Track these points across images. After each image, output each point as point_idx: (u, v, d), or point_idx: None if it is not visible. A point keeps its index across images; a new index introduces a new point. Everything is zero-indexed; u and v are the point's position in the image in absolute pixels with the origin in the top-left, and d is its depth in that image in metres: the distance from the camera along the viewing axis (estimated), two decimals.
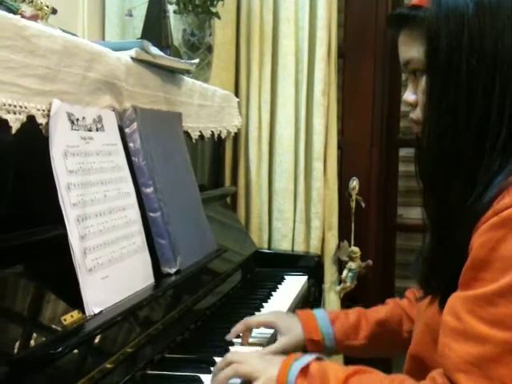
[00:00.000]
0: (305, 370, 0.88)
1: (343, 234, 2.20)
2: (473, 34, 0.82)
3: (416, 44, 0.90)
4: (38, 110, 0.88)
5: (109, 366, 0.87)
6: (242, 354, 0.96)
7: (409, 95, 0.94)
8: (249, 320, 1.13)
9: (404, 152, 2.38)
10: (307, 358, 0.90)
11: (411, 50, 0.92)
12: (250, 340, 1.14)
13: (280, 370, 0.89)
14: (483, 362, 0.74)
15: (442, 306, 0.84)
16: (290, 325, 1.13)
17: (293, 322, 1.14)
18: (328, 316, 1.16)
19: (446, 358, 0.77)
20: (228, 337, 1.12)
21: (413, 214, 2.45)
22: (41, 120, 0.89)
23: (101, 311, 0.92)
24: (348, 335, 1.14)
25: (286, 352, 1.08)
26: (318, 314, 1.16)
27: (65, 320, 0.86)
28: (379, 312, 1.18)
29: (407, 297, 1.20)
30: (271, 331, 1.18)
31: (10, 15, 0.82)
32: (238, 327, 1.12)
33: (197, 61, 1.54)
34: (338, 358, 2.09)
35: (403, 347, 1.12)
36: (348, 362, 2.07)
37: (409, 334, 1.13)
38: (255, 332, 1.17)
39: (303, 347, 1.13)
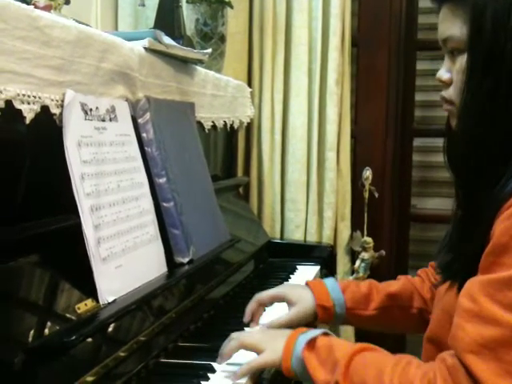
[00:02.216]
0: (312, 343, 0.89)
1: (356, 225, 2.20)
2: None
3: (458, 21, 0.86)
4: (52, 100, 0.89)
5: (122, 354, 0.87)
6: (245, 331, 0.97)
7: (443, 73, 0.91)
8: (260, 297, 1.14)
9: (418, 142, 2.36)
10: (314, 332, 0.91)
11: (452, 28, 0.87)
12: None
13: (286, 341, 0.90)
14: (496, 344, 0.73)
15: (460, 291, 0.83)
16: (300, 294, 1.13)
17: (303, 291, 1.15)
18: (339, 284, 1.16)
19: (458, 338, 0.77)
20: (245, 319, 1.12)
21: (427, 204, 2.44)
22: (55, 110, 0.90)
23: (114, 300, 0.93)
24: (358, 304, 1.14)
25: (295, 323, 1.09)
26: (329, 282, 1.17)
27: (79, 309, 0.87)
28: (390, 285, 1.18)
29: (419, 275, 1.20)
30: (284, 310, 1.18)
31: (24, 6, 0.83)
32: (252, 305, 1.13)
33: (209, 51, 1.53)
34: (349, 335, 2.10)
35: (411, 323, 1.12)
36: (359, 336, 2.10)
37: (418, 310, 1.14)
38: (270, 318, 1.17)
39: (314, 317, 1.13)
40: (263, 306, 1.15)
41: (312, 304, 1.12)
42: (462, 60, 0.86)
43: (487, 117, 0.83)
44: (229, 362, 0.96)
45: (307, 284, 1.17)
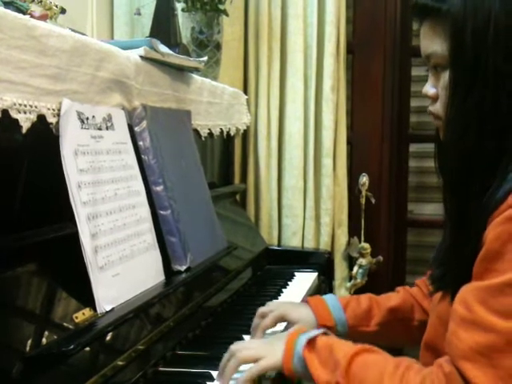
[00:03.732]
0: (312, 343, 0.89)
1: (353, 231, 2.20)
2: (499, 31, 0.81)
3: (439, 38, 0.87)
4: (49, 109, 0.89)
5: (121, 363, 0.87)
6: (243, 342, 0.97)
7: (429, 88, 0.92)
8: (263, 324, 1.12)
9: (414, 147, 2.37)
10: (314, 332, 0.91)
11: (433, 44, 0.88)
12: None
13: (286, 342, 0.90)
14: (491, 351, 0.74)
15: (454, 299, 0.84)
16: (301, 313, 1.13)
17: (304, 310, 1.14)
18: (339, 302, 1.16)
19: (454, 346, 0.78)
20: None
21: (424, 209, 2.44)
22: (51, 119, 0.90)
23: (112, 308, 0.92)
24: (360, 321, 1.14)
25: None
26: (329, 299, 1.16)
27: (76, 318, 0.86)
28: (391, 299, 1.18)
29: (417, 285, 1.20)
30: (282, 327, 1.18)
31: (20, 15, 0.83)
32: (258, 335, 1.10)
33: (205, 58, 1.54)
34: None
35: (413, 336, 1.12)
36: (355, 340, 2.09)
37: (419, 322, 1.14)
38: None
39: None
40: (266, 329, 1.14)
41: (314, 324, 1.12)
42: (446, 76, 0.87)
43: (472, 131, 0.83)
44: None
45: (308, 302, 1.16)
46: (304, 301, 1.44)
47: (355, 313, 1.14)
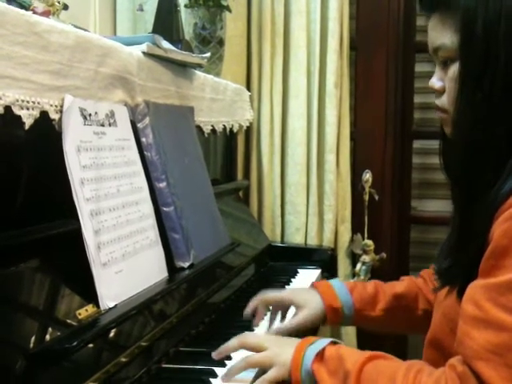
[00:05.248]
0: (320, 355, 0.88)
1: (356, 227, 2.19)
2: (510, 23, 0.81)
3: (448, 30, 0.86)
4: (51, 105, 0.88)
5: (124, 359, 0.87)
6: (252, 338, 0.96)
7: (436, 81, 0.91)
8: (265, 296, 1.13)
9: (418, 144, 2.36)
10: (322, 343, 0.90)
11: (442, 37, 0.87)
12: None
13: (294, 355, 0.89)
14: (504, 349, 0.73)
15: (460, 295, 0.83)
16: (307, 297, 1.13)
17: (310, 294, 1.14)
18: (346, 285, 1.16)
19: (466, 346, 0.77)
20: (246, 312, 1.12)
21: (427, 206, 2.44)
22: (54, 115, 0.89)
23: (115, 305, 0.92)
24: (366, 305, 1.14)
25: (304, 327, 1.09)
26: (335, 283, 1.17)
27: (79, 314, 0.86)
28: (395, 286, 1.18)
29: (422, 276, 1.20)
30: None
31: (22, 11, 0.83)
32: (255, 302, 1.12)
33: (208, 55, 1.53)
34: (351, 338, 2.09)
35: (417, 325, 1.12)
36: (360, 339, 2.09)
37: (423, 312, 1.14)
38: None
39: (322, 320, 1.13)
40: (267, 305, 1.14)
41: (321, 306, 1.12)
42: (455, 68, 0.86)
43: (481, 124, 0.83)
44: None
45: (314, 286, 1.16)
46: None
47: (361, 296, 1.14)
